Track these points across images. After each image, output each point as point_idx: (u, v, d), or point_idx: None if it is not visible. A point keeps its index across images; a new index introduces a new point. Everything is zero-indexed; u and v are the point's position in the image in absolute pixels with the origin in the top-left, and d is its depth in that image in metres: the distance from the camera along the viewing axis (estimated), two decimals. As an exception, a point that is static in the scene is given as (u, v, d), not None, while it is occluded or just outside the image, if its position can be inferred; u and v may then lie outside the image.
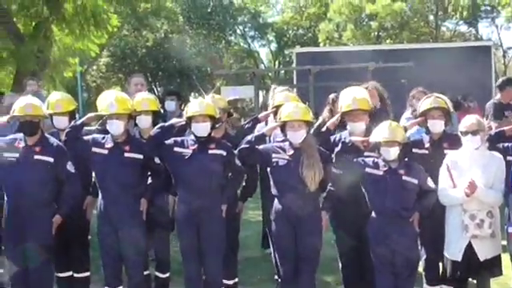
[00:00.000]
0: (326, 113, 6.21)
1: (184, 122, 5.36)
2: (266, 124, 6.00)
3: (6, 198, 5.30)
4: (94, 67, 27.62)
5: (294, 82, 17.54)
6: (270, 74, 31.86)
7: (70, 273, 5.87)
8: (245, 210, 6.40)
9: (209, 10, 31.98)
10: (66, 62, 15.05)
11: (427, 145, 5.50)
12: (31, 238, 5.16)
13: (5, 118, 5.48)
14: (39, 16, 12.80)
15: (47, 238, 5.22)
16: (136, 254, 5.36)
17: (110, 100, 5.33)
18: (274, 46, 37.61)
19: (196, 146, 5.27)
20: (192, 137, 5.32)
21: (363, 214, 5.17)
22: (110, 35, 16.05)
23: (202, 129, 5.22)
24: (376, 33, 31.42)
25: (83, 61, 17.86)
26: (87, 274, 5.91)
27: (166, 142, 5.31)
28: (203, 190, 5.25)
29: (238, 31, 35.96)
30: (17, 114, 5.23)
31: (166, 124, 5.48)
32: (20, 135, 5.31)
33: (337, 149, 5.49)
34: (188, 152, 5.26)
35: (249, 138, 5.34)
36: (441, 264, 5.47)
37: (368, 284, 5.33)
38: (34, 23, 12.91)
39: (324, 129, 5.58)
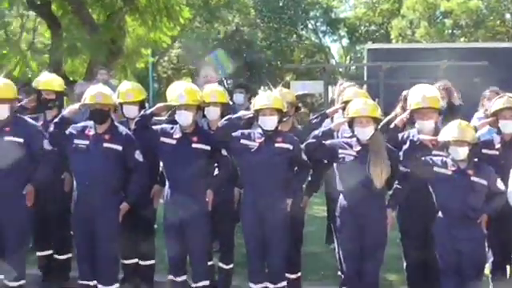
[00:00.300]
0: (398, 109, 6.12)
1: (251, 115, 5.39)
2: (332, 120, 6.00)
3: (75, 185, 5.51)
4: (166, 58, 28.27)
5: (365, 79, 17.58)
6: (340, 70, 31.70)
7: (136, 260, 6.02)
8: (310, 205, 6.43)
9: (280, 4, 32.19)
10: (139, 53, 15.29)
11: (498, 145, 5.42)
12: (99, 224, 5.32)
13: (76, 106, 5.66)
14: (113, 6, 13.10)
15: (114, 225, 5.38)
16: (201, 245, 5.44)
17: (179, 91, 5.41)
18: (345, 41, 37.81)
19: (263, 139, 5.31)
20: (259, 130, 5.35)
21: (430, 214, 5.12)
22: (182, 27, 16.33)
23: (269, 122, 5.25)
24: (450, 31, 30.97)
25: (155, 52, 18.32)
26: (152, 262, 6.06)
27: (233, 134, 5.36)
28: (268, 184, 5.29)
29: (310, 26, 36.01)
30: (88, 102, 5.40)
31: (234, 116, 5.52)
32: (90, 123, 5.47)
33: (405, 146, 5.39)
34: (254, 145, 5.31)
35: (316, 132, 5.38)
36: (508, 267, 5.46)
37: (432, 285, 5.30)
38: (107, 13, 13.18)
39: (392, 126, 5.51)
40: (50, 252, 6.16)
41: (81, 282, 5.52)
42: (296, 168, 5.50)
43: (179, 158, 5.37)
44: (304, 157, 5.41)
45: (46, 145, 5.55)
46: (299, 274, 6.01)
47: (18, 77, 13.48)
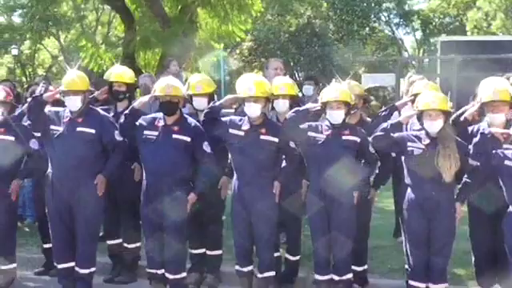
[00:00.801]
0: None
1: (319, 107, 5.48)
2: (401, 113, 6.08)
3: (144, 175, 5.73)
4: (237, 51, 28.55)
5: (438, 72, 17.45)
6: (413, 63, 31.59)
7: (203, 250, 6.19)
8: (379, 199, 6.51)
9: None
10: (211, 46, 15.65)
11: None
12: (167, 214, 5.51)
13: (146, 98, 5.87)
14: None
15: (182, 215, 5.55)
16: (268, 236, 5.57)
17: (248, 83, 5.56)
18: (418, 34, 37.88)
19: (330, 131, 5.43)
20: (326, 122, 5.46)
21: (500, 208, 5.11)
22: (254, 20, 16.61)
23: (336, 115, 5.37)
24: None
25: (227, 45, 18.67)
26: (219, 252, 6.22)
27: (301, 126, 5.48)
28: (335, 176, 5.35)
29: (383, 18, 36.27)
30: (157, 94, 5.61)
31: (302, 108, 5.63)
32: (160, 114, 5.67)
33: (475, 140, 5.39)
34: (322, 137, 5.43)
35: (384, 125, 5.44)
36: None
37: (501, 280, 5.31)
38: (179, 7, 13.55)
39: (462, 119, 5.54)
40: (120, 241, 6.42)
41: (149, 270, 5.76)
42: (363, 161, 5.58)
43: (247, 150, 5.51)
44: (371, 149, 5.48)
45: (117, 136, 5.80)
46: (365, 266, 6.12)
47: (92, 69, 14.16)
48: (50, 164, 5.79)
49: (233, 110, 6.15)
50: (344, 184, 5.40)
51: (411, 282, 5.42)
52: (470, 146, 5.35)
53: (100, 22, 24.82)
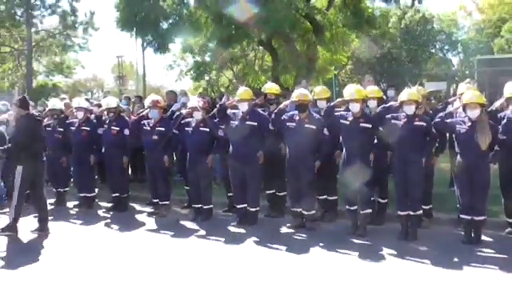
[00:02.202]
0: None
1: (398, 104, 7.28)
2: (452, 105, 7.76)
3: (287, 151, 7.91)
4: (343, 71, 34.46)
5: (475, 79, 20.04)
6: (458, 74, 36.84)
7: (325, 196, 8.28)
8: (438, 162, 7.92)
9: (417, 33, 38.21)
10: (326, 69, 19.86)
11: None
12: (303, 174, 7.68)
13: (287, 102, 8.11)
14: (309, 40, 17.00)
15: (311, 174, 7.75)
16: (367, 186, 7.45)
17: (351, 90, 7.48)
18: (461, 55, 44.04)
19: (406, 119, 7.12)
20: (403, 114, 7.17)
21: None
22: (353, 51, 20.75)
23: (410, 109, 7.08)
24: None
25: (336, 67, 22.37)
26: (336, 197, 8.28)
27: (386, 116, 7.28)
28: (410, 149, 7.08)
29: (437, 46, 42.30)
30: (294, 99, 7.79)
31: (386, 105, 7.51)
32: (296, 112, 7.80)
33: (503, 122, 7.06)
34: (400, 123, 7.15)
35: (441, 114, 7.21)
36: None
37: None
38: (305, 45, 17.29)
39: (494, 108, 7.27)
40: (273, 191, 8.64)
41: (292, 209, 7.96)
42: (427, 138, 7.26)
43: (351, 133, 7.41)
44: (433, 130, 7.17)
45: (270, 126, 8.11)
46: (431, 205, 7.77)
47: (253, 86, 18.62)
48: (231, 145, 8.23)
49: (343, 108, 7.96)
50: (415, 154, 7.04)
51: (461, 216, 6.97)
52: (500, 126, 6.97)
53: (257, 56, 29.46)
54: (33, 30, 29.41)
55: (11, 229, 7.68)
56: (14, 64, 32.15)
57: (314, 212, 7.94)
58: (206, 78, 34.15)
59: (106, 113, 9.63)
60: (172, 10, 17.47)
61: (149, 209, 9.33)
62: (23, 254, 7.03)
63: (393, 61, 37.15)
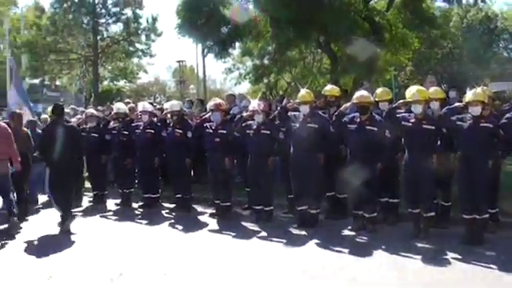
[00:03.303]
0: None
1: (463, 105, 7.15)
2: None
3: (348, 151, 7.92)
4: (403, 72, 34.36)
5: None
6: None
7: (386, 199, 8.15)
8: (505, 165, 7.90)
9: (479, 33, 37.68)
10: (386, 70, 19.82)
11: None
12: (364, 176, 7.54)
13: (347, 104, 8.08)
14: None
15: (373, 176, 7.58)
16: (430, 188, 7.37)
17: (413, 91, 7.37)
18: None
19: (471, 120, 6.95)
20: (469, 115, 6.98)
21: None
22: (413, 52, 20.10)
23: (475, 110, 6.91)
24: None
25: (396, 68, 22.11)
26: (397, 200, 8.19)
27: (452, 117, 7.12)
28: (477, 151, 6.89)
29: (501, 45, 41.05)
30: (355, 102, 7.76)
31: (451, 106, 7.39)
32: (357, 114, 7.76)
33: None
34: (466, 125, 6.97)
35: (508, 115, 7.12)
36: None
37: None
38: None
39: None
40: (334, 193, 8.60)
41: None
42: (495, 140, 7.04)
43: (413, 135, 7.25)
44: (501, 132, 6.96)
45: (331, 129, 8.09)
46: (497, 209, 7.55)
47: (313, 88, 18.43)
48: (291, 147, 8.21)
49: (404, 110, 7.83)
50: (482, 155, 6.87)
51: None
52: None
53: (315, 59, 29.34)
54: (98, 37, 30.38)
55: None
56: (82, 70, 33.28)
57: (375, 214, 7.86)
58: (265, 81, 34.36)
59: (169, 116, 9.78)
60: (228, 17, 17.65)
61: (211, 210, 9.37)
62: (87, 252, 7.24)
63: (454, 61, 36.57)
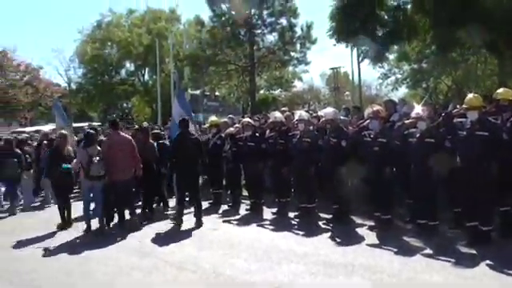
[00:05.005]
0: None
1: None
2: None
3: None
4: None
5: None
6: None
7: None
8: None
9: None
10: None
11: None
12: None
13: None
14: None
15: None
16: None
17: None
18: None
19: None
20: None
21: None
22: None
23: None
24: None
25: None
26: None
27: None
28: None
29: None
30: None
31: None
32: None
33: None
34: None
35: None
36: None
37: None
38: None
39: None
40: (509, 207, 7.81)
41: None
42: None
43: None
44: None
45: (505, 136, 7.37)
46: None
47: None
48: (458, 157, 7.64)
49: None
50: None
51: None
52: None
53: (479, 60, 27.78)
54: (255, 47, 31.22)
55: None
56: (239, 80, 34.49)
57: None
58: (423, 85, 33.03)
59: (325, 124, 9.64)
60: (389, 17, 17.01)
61: (370, 222, 8.99)
62: (242, 259, 7.22)
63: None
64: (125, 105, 54.09)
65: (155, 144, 11.41)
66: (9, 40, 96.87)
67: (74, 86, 48.07)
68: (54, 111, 16.95)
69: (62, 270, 7.27)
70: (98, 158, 9.62)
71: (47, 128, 22.21)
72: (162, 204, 11.67)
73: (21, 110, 39.89)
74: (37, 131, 17.94)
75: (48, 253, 8.33)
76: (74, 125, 25.35)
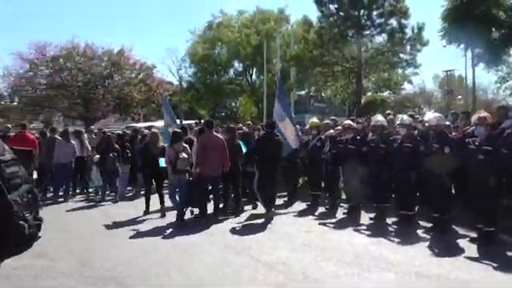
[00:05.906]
0: None
1: None
2: None
3: None
4: None
5: None
6: None
7: None
8: None
9: None
10: None
11: None
12: None
13: None
14: None
15: None
16: None
17: None
18: None
19: None
20: None
21: None
22: None
23: None
24: None
25: None
26: None
27: None
28: None
29: None
30: None
31: None
32: None
33: None
34: None
35: None
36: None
37: None
38: None
39: None
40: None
41: None
42: None
43: None
44: None
45: None
46: None
47: None
48: None
49: None
50: None
51: None
52: None
53: None
54: (362, 48, 30.80)
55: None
56: (346, 82, 34.19)
57: None
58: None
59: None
60: (506, 18, 16.10)
61: (473, 234, 8.55)
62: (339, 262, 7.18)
63: None
64: (232, 104, 55.48)
65: (241, 143, 12.03)
66: (127, 39, 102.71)
67: (184, 85, 49.90)
68: (163, 108, 17.85)
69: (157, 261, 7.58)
70: (184, 154, 10.53)
71: (158, 124, 23.37)
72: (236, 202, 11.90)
73: (135, 107, 42.10)
74: (149, 127, 18.98)
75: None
76: (184, 122, 26.46)
